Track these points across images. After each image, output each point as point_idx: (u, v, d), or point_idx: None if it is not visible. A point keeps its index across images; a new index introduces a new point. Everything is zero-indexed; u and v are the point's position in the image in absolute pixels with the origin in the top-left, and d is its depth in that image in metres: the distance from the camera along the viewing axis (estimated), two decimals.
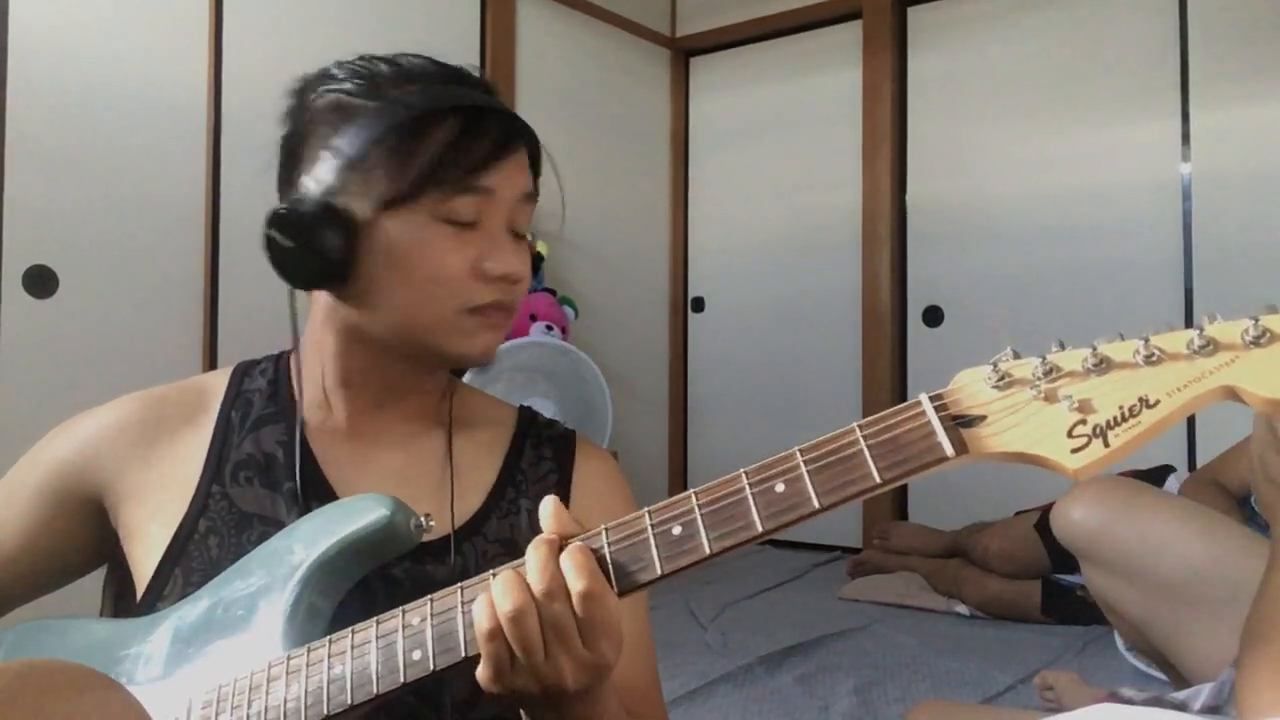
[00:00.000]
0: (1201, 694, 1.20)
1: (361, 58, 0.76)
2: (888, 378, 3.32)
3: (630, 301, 3.66)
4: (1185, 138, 2.87)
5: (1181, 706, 1.21)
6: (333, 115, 0.72)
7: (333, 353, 0.79)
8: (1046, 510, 2.20)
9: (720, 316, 3.79)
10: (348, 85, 0.73)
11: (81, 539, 0.78)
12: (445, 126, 0.71)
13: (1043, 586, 2.47)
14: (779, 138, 3.66)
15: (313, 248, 0.70)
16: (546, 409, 2.61)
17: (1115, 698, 1.34)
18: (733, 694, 1.90)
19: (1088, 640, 2.26)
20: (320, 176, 0.72)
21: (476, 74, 0.78)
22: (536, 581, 0.55)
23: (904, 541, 2.95)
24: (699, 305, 3.84)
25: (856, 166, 3.42)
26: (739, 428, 3.71)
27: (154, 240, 2.26)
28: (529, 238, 0.79)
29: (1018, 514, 2.68)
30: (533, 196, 0.78)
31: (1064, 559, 2.37)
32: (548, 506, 0.59)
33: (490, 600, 0.55)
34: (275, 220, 0.70)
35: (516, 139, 0.75)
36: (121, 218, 2.20)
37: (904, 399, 3.21)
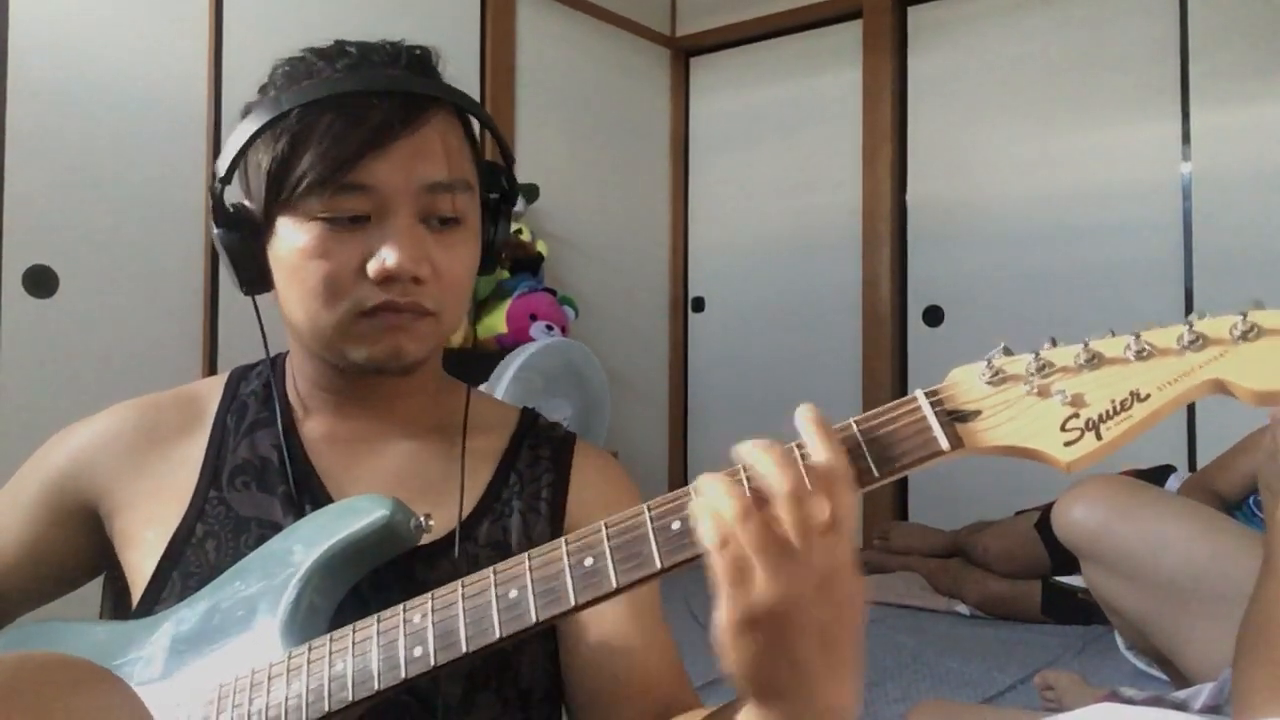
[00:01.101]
0: (1202, 694, 1.20)
1: (296, 53, 0.74)
2: (888, 378, 3.32)
3: (630, 301, 3.66)
4: (1185, 138, 2.87)
5: (1182, 706, 1.21)
6: (241, 119, 0.72)
7: (296, 359, 0.79)
8: (1047, 510, 2.20)
9: (720, 316, 3.79)
10: (263, 83, 0.74)
11: (79, 548, 0.78)
12: (320, 121, 0.67)
13: (1043, 586, 2.47)
14: (779, 138, 3.66)
15: (229, 256, 0.74)
16: (561, 410, 2.60)
17: (1115, 697, 1.34)
18: (733, 694, 1.90)
19: (1088, 640, 2.26)
20: (243, 182, 0.74)
21: (402, 47, 0.74)
22: (782, 481, 0.49)
23: (904, 541, 2.95)
24: (699, 305, 3.84)
25: (856, 166, 3.42)
26: (739, 428, 3.66)
27: (154, 240, 2.26)
28: (463, 221, 0.72)
29: (1018, 514, 2.68)
30: (450, 185, 0.70)
31: (1064, 559, 2.37)
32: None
33: (710, 508, 0.50)
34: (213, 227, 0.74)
35: (408, 122, 0.68)
36: (121, 218, 2.20)
37: None
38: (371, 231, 0.68)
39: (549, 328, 2.77)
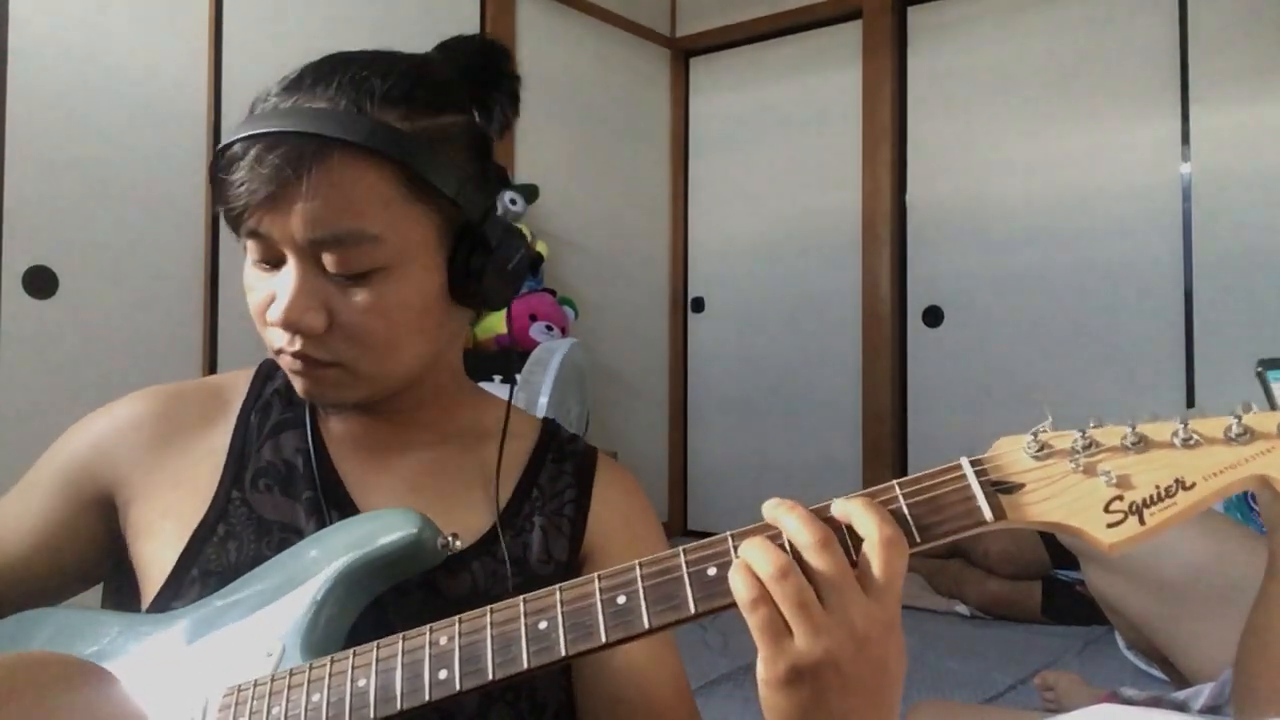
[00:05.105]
0: (1202, 694, 1.20)
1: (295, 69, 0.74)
2: (888, 378, 3.32)
3: (630, 301, 3.66)
4: (1185, 138, 2.87)
5: (1182, 707, 1.21)
6: None
7: None
8: None
9: (720, 316, 3.79)
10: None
11: (96, 538, 0.77)
12: (240, 163, 0.65)
13: (1043, 586, 2.47)
14: (779, 138, 3.66)
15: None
16: (573, 410, 2.60)
17: (1116, 698, 1.34)
18: (733, 694, 1.90)
19: (1088, 640, 2.26)
20: None
21: (357, 75, 0.68)
22: (806, 533, 0.50)
23: None
24: (699, 305, 3.84)
25: (856, 166, 3.42)
26: (739, 428, 3.70)
27: (154, 240, 2.26)
28: (369, 275, 0.67)
29: None
30: (336, 239, 0.65)
31: (1065, 559, 2.37)
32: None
33: (746, 566, 0.51)
34: None
35: (295, 172, 0.64)
36: (121, 218, 2.20)
37: (904, 399, 3.20)
38: (280, 275, 0.68)
39: (549, 328, 2.77)
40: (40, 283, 2.08)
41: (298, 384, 0.71)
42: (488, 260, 0.71)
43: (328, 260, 0.66)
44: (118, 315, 2.20)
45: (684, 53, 3.88)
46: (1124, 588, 1.56)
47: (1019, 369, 3.10)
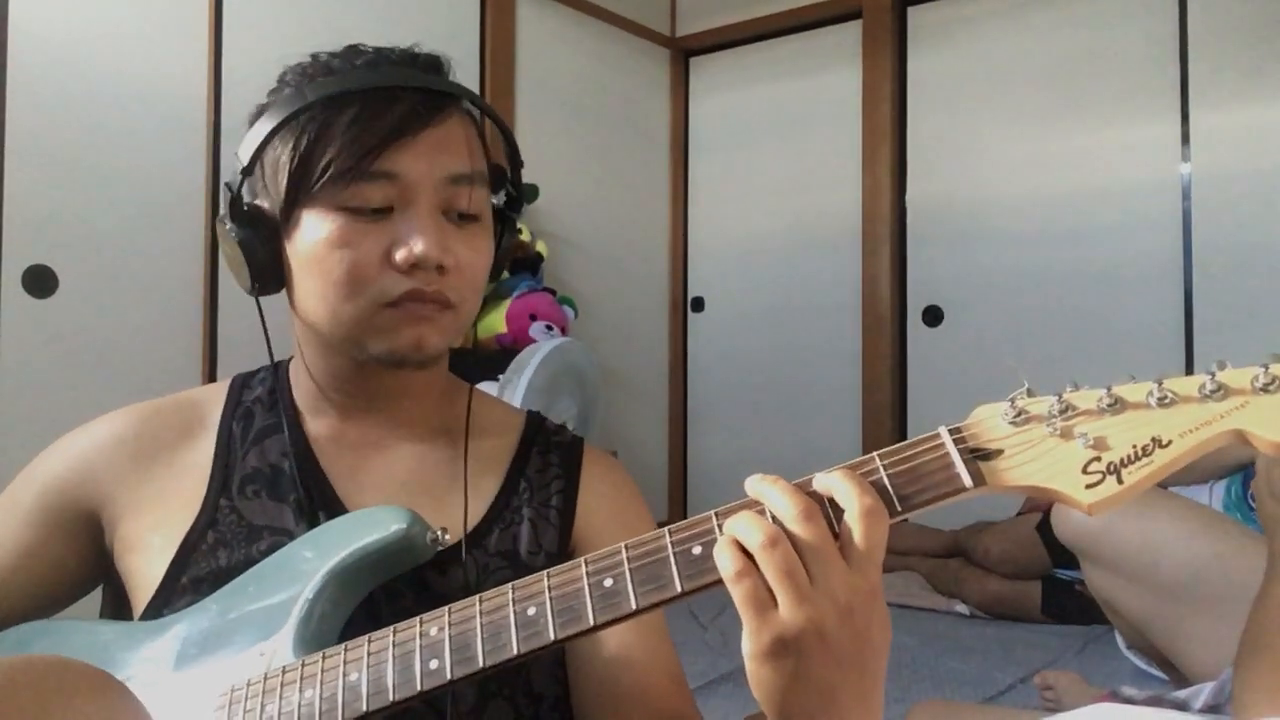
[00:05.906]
0: (1202, 693, 1.20)
1: (304, 57, 0.75)
2: (888, 378, 3.32)
3: (630, 301, 3.66)
4: (1185, 138, 2.87)
5: (1182, 706, 1.21)
6: (253, 119, 0.72)
7: (309, 359, 0.78)
8: (1048, 512, 2.20)
9: (720, 316, 3.79)
10: (273, 86, 0.74)
11: (79, 557, 0.77)
12: (345, 113, 0.68)
13: (1043, 586, 2.47)
14: (779, 138, 3.66)
15: (244, 253, 0.72)
16: (567, 410, 2.60)
17: (1115, 697, 1.34)
18: (734, 694, 1.90)
19: (1088, 640, 2.26)
20: (249, 180, 0.73)
21: (415, 52, 0.75)
22: (790, 504, 0.51)
23: (904, 541, 2.95)
24: (699, 305, 3.84)
25: (856, 166, 3.43)
26: (739, 428, 3.70)
27: (154, 241, 2.26)
28: (482, 218, 0.74)
29: (1019, 514, 2.68)
30: (470, 177, 0.71)
31: (1066, 560, 2.37)
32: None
33: (733, 540, 0.52)
34: (221, 224, 0.73)
35: (432, 116, 0.70)
36: (121, 218, 2.20)
37: (904, 399, 3.19)
38: (395, 222, 0.69)
39: (549, 328, 2.77)
40: (40, 282, 2.08)
41: (412, 332, 0.70)
42: (512, 235, 0.79)
43: (458, 199, 0.71)
44: (118, 315, 2.20)
45: (684, 53, 3.88)
46: (1124, 588, 1.56)
47: (1019, 369, 3.10)
